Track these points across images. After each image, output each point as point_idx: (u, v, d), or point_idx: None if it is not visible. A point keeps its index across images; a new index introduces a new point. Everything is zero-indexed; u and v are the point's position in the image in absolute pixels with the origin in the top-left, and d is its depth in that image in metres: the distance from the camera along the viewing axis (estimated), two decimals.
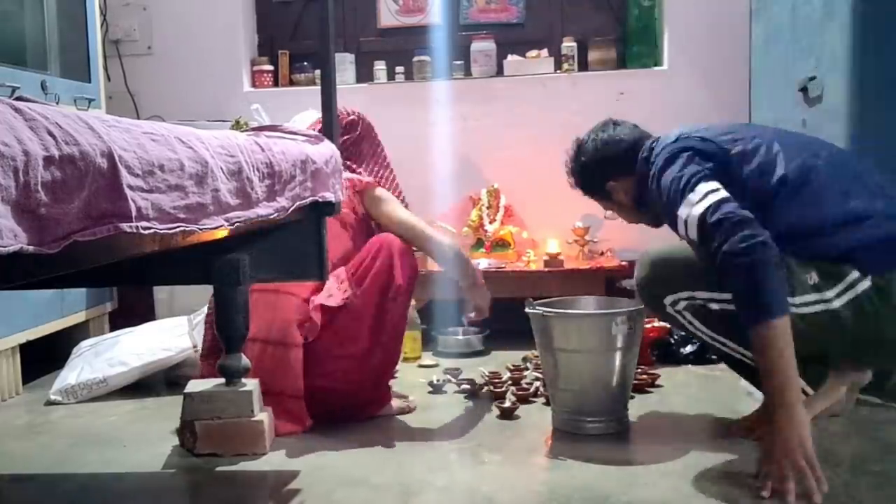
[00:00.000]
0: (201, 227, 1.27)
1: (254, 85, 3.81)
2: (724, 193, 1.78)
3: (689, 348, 2.81)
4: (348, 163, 2.49)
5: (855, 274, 1.75)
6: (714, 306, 1.85)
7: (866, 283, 1.75)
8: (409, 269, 2.22)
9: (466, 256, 2.40)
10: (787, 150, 1.90)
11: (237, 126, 3.14)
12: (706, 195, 1.79)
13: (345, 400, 2.22)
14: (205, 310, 2.65)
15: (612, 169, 2.17)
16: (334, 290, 2.19)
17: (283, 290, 2.21)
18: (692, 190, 1.81)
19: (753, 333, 1.65)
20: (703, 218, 1.76)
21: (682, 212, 1.82)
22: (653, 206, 2.06)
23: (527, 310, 2.14)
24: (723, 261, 1.69)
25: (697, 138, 1.95)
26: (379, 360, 2.23)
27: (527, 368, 2.70)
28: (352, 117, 2.56)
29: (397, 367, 2.56)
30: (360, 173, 2.49)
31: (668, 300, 1.92)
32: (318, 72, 3.47)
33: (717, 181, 1.81)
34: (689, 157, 1.89)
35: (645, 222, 2.26)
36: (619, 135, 2.18)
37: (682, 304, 1.91)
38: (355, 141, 2.55)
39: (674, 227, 1.90)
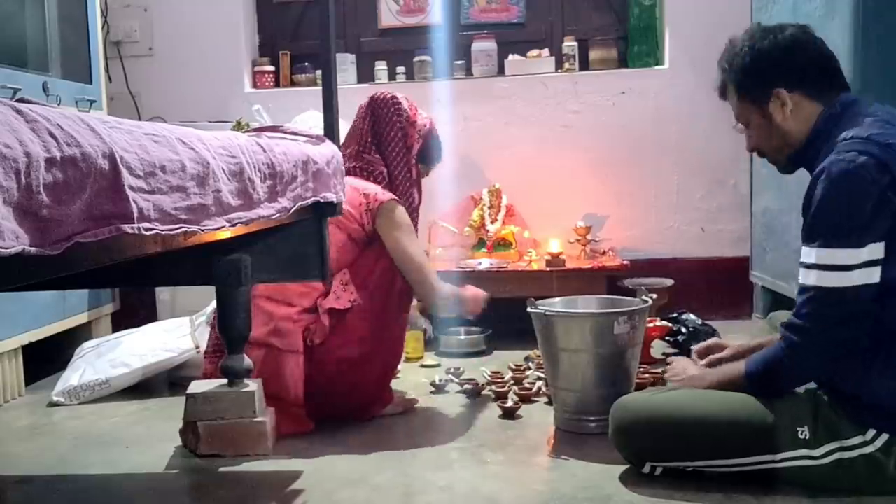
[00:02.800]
0: (203, 227, 1.27)
1: (255, 86, 3.81)
2: (866, 279, 1.55)
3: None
4: (371, 148, 2.37)
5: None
6: (706, 470, 1.72)
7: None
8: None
9: (462, 295, 2.34)
10: None
11: (238, 127, 3.14)
12: (845, 270, 1.56)
13: (347, 399, 2.22)
14: (207, 310, 2.66)
15: (797, 74, 1.74)
16: (340, 293, 2.18)
17: (281, 300, 2.21)
18: (839, 244, 1.57)
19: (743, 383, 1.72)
20: (821, 294, 1.58)
21: (813, 256, 1.59)
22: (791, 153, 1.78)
23: (529, 309, 2.14)
24: (788, 352, 1.63)
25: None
26: (381, 360, 2.24)
27: (529, 368, 2.70)
28: (425, 121, 2.50)
29: (399, 368, 2.57)
30: (377, 170, 2.35)
31: (647, 468, 1.77)
32: (319, 72, 3.47)
33: (881, 243, 1.56)
34: (878, 190, 1.55)
35: (774, 158, 1.85)
36: (822, 48, 1.76)
37: (660, 470, 1.76)
38: (376, 125, 2.39)
39: (803, 233, 1.66)
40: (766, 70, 1.75)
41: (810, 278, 1.61)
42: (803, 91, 1.73)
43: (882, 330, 1.59)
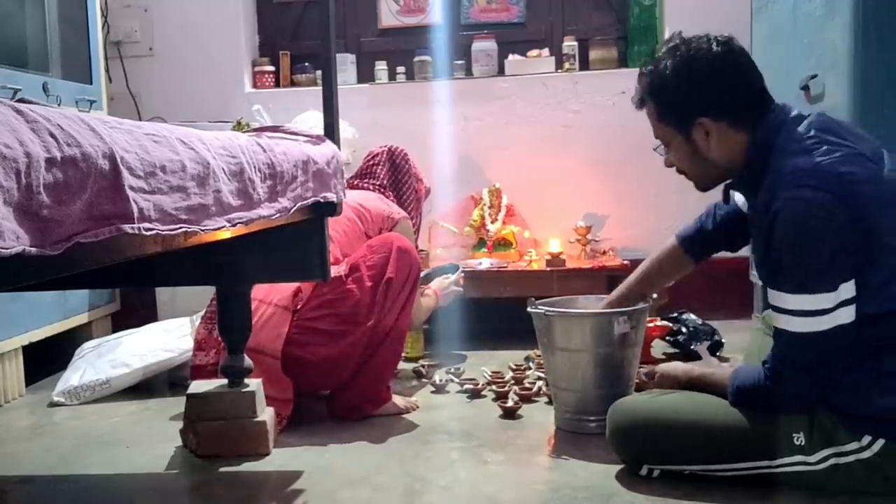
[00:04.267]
0: (203, 228, 1.27)
1: (255, 86, 3.82)
2: (844, 318, 1.53)
3: (699, 345, 2.81)
4: (388, 190, 2.67)
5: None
6: (703, 474, 1.72)
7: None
8: (405, 267, 2.24)
9: (436, 304, 2.73)
10: None
11: (239, 127, 3.14)
12: (820, 314, 1.53)
13: (322, 380, 2.26)
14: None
15: (721, 104, 1.66)
16: (339, 269, 2.25)
17: (266, 301, 2.23)
18: (812, 290, 1.53)
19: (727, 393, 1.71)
20: (797, 339, 1.56)
21: (785, 301, 1.57)
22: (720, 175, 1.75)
23: (529, 309, 2.14)
24: (772, 388, 1.61)
25: (849, 181, 1.52)
26: (377, 358, 2.24)
27: (529, 368, 2.70)
28: (427, 185, 2.85)
29: (398, 368, 2.57)
30: (389, 195, 2.65)
31: (644, 470, 1.76)
32: (319, 72, 3.47)
33: (852, 281, 1.53)
34: (837, 227, 1.51)
35: (698, 182, 1.83)
36: (749, 72, 1.68)
37: (657, 473, 1.76)
38: (395, 174, 2.71)
39: (763, 276, 1.65)
40: (688, 99, 1.67)
41: (783, 323, 1.59)
42: (728, 120, 1.67)
43: (865, 347, 1.57)
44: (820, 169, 1.54)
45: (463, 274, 2.90)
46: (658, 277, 2.14)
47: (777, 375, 1.61)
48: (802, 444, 1.61)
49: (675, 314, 2.99)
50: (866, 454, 1.58)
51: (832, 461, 1.60)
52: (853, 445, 1.58)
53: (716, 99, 1.66)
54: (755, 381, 1.65)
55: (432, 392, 2.55)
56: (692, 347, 2.81)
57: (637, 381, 2.14)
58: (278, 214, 1.60)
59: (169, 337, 2.74)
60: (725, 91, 1.66)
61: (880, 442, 1.57)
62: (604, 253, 3.40)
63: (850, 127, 1.69)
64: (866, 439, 1.58)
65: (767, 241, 1.60)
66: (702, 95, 1.67)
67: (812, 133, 1.60)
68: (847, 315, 1.54)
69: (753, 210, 1.69)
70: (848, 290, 1.54)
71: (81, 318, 3.03)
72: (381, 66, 3.74)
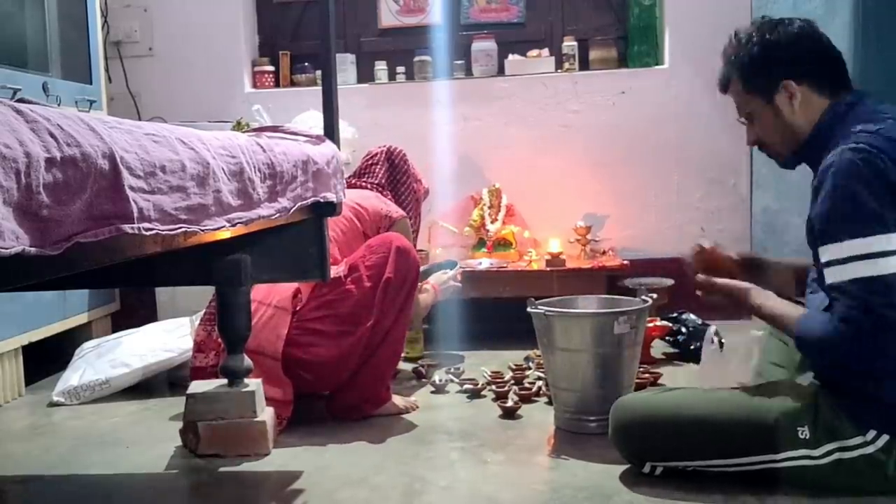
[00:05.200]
0: (203, 228, 1.27)
1: (255, 86, 3.81)
2: None
3: (699, 345, 2.80)
4: (386, 190, 2.67)
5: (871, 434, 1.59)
6: (707, 470, 1.72)
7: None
8: (404, 267, 2.24)
9: (434, 299, 2.70)
10: None
11: (238, 127, 3.14)
12: (879, 257, 1.50)
13: (323, 381, 2.24)
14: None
15: (805, 66, 1.72)
16: (338, 269, 2.24)
17: (265, 303, 2.24)
18: (866, 233, 1.52)
19: (791, 329, 1.66)
20: (863, 283, 1.51)
21: (845, 250, 1.54)
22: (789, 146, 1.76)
23: (529, 309, 2.14)
24: (840, 338, 1.54)
25: None
26: (377, 357, 2.24)
27: (529, 368, 2.70)
28: (425, 186, 2.85)
29: (398, 368, 2.57)
30: (386, 195, 2.65)
31: (647, 467, 1.77)
32: (319, 72, 3.47)
33: None
34: (881, 183, 1.53)
35: (776, 152, 1.82)
36: (829, 46, 1.75)
37: (660, 470, 1.76)
38: (393, 174, 2.70)
39: (811, 240, 1.64)
40: (775, 61, 1.73)
41: (845, 273, 1.53)
42: (811, 84, 1.72)
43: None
44: (878, 133, 1.57)
45: (461, 269, 2.90)
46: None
47: (845, 322, 1.52)
48: (807, 437, 1.61)
49: (675, 314, 2.99)
50: (870, 449, 1.58)
51: (836, 455, 1.60)
52: (858, 440, 1.59)
53: (798, 60, 1.72)
54: (822, 330, 1.58)
55: (432, 392, 2.55)
56: (692, 347, 2.81)
57: (638, 380, 2.14)
58: (278, 214, 1.60)
59: (169, 337, 2.74)
60: (806, 53, 1.72)
61: (885, 437, 1.57)
62: (603, 253, 3.40)
63: None
64: (871, 434, 1.58)
65: (817, 194, 1.60)
66: (785, 57, 1.73)
67: (888, 112, 1.64)
68: None
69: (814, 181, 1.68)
70: None
71: (81, 318, 3.03)
72: (380, 66, 3.74)
